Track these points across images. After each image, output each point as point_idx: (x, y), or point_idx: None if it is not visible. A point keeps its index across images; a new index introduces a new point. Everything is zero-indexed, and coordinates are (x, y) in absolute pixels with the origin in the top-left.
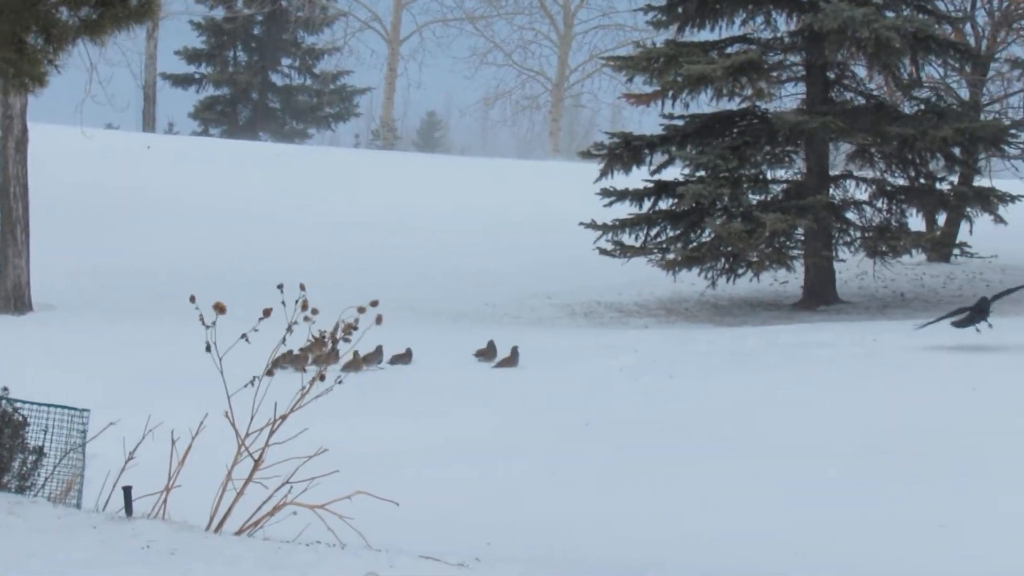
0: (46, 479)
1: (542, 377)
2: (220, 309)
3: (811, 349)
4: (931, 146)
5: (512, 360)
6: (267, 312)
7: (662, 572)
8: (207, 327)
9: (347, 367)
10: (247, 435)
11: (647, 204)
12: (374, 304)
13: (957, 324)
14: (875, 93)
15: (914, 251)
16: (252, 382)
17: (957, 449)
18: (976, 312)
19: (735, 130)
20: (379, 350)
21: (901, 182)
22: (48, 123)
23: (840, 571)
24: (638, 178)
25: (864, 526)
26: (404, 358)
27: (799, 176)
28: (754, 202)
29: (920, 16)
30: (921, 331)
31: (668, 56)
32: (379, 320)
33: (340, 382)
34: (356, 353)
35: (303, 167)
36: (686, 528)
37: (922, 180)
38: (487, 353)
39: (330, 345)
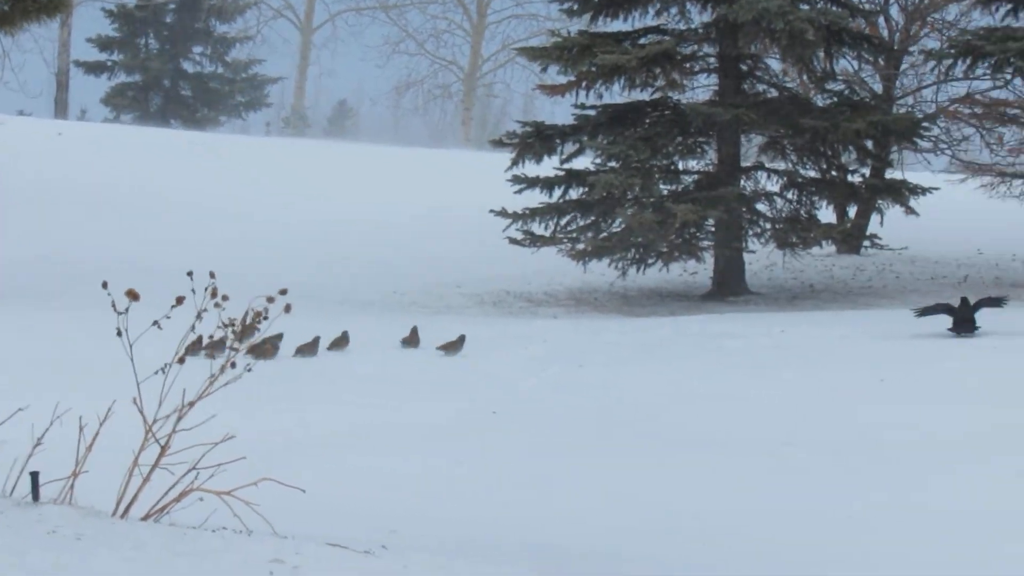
0: None
1: (450, 366)
2: (133, 296)
3: (720, 340)
4: (843, 138)
5: (457, 345)
6: (180, 300)
7: (565, 557)
8: (119, 314)
9: (256, 352)
10: (154, 421)
11: (558, 193)
12: (283, 293)
13: (953, 329)
14: (788, 85)
15: (824, 243)
16: (162, 369)
17: (865, 441)
18: (962, 322)
19: (647, 121)
20: (316, 341)
21: (812, 174)
22: None
23: (749, 559)
24: (549, 168)
25: (773, 516)
26: (341, 343)
27: (710, 167)
28: (665, 193)
29: (834, 9)
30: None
31: (582, 46)
32: (288, 309)
33: (249, 370)
34: (271, 341)
35: (214, 155)
36: (592, 515)
37: (834, 172)
38: (411, 340)
39: (239, 334)
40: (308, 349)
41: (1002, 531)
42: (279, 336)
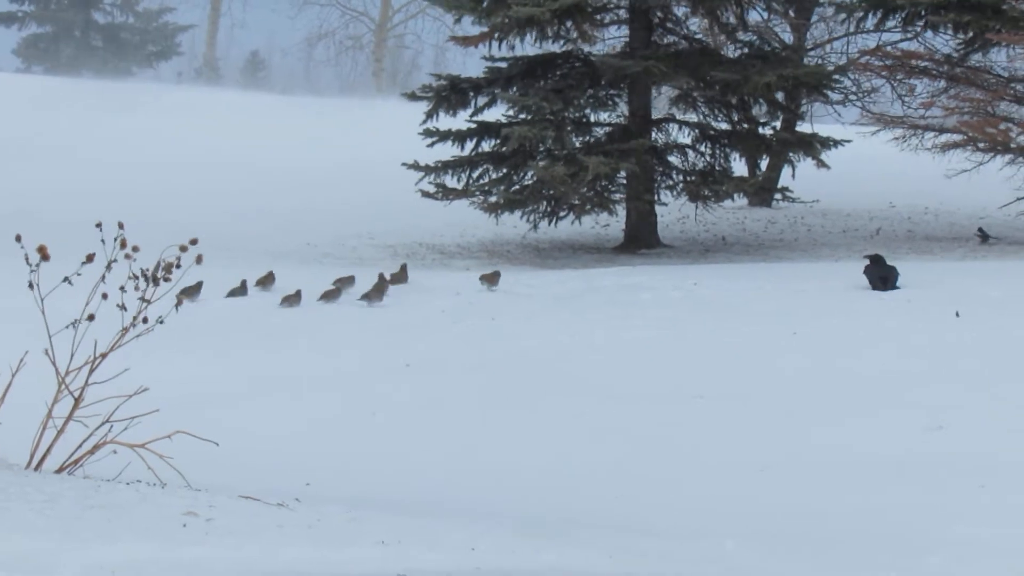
0: None
1: (364, 317)
2: (43, 254)
3: (632, 292)
4: (754, 91)
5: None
6: (90, 257)
7: (475, 509)
8: (32, 269)
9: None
10: (67, 373)
11: (470, 146)
12: (194, 243)
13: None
14: (698, 37)
15: (736, 195)
16: (73, 324)
17: (777, 394)
18: (881, 280)
19: (559, 73)
20: (298, 293)
21: (724, 126)
22: None
23: (656, 508)
24: (462, 120)
25: (680, 466)
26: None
27: (622, 119)
28: (577, 145)
29: None
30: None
31: None
32: (199, 259)
33: (161, 322)
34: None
35: (125, 105)
36: (504, 465)
37: (745, 124)
38: (334, 292)
39: (151, 284)
40: (238, 291)
41: (900, 477)
42: (198, 285)
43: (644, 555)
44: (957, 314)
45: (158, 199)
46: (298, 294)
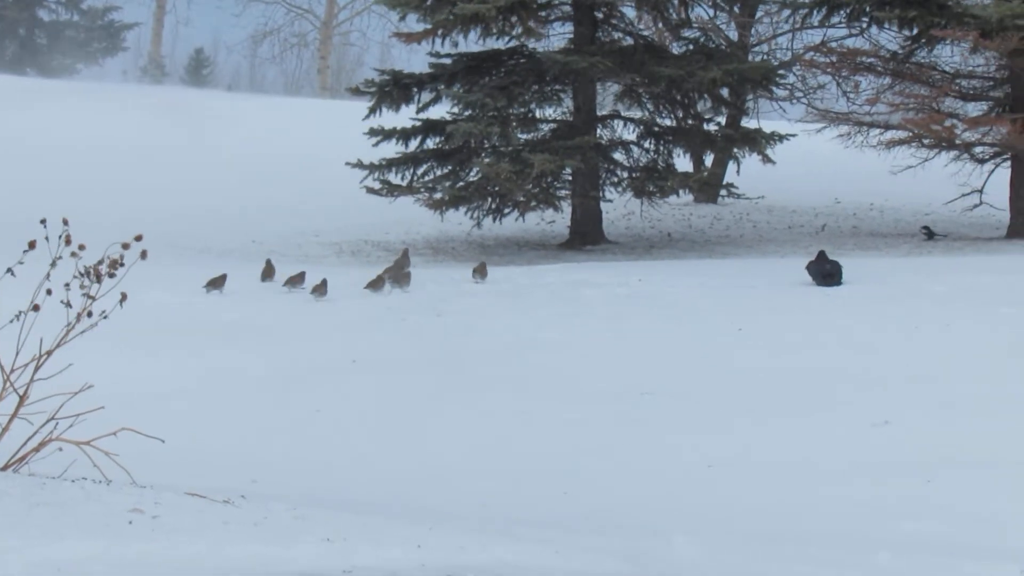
0: None
1: (310, 314)
2: None
3: (578, 289)
4: (699, 87)
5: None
6: (32, 244)
7: (424, 506)
8: None
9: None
10: (12, 371)
11: (415, 143)
12: (138, 239)
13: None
14: (644, 33)
15: (681, 191)
16: (17, 316)
17: (721, 389)
18: (824, 276)
19: (504, 69)
20: (301, 275)
21: (669, 123)
22: None
23: (604, 504)
24: (406, 117)
25: (628, 463)
26: (302, 282)
27: (567, 116)
28: (522, 142)
29: None
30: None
31: None
32: (143, 255)
33: (105, 317)
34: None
35: (69, 102)
36: (447, 462)
37: (690, 121)
38: (268, 272)
39: (96, 280)
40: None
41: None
42: (222, 277)
43: (592, 551)
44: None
45: (99, 196)
46: (324, 284)
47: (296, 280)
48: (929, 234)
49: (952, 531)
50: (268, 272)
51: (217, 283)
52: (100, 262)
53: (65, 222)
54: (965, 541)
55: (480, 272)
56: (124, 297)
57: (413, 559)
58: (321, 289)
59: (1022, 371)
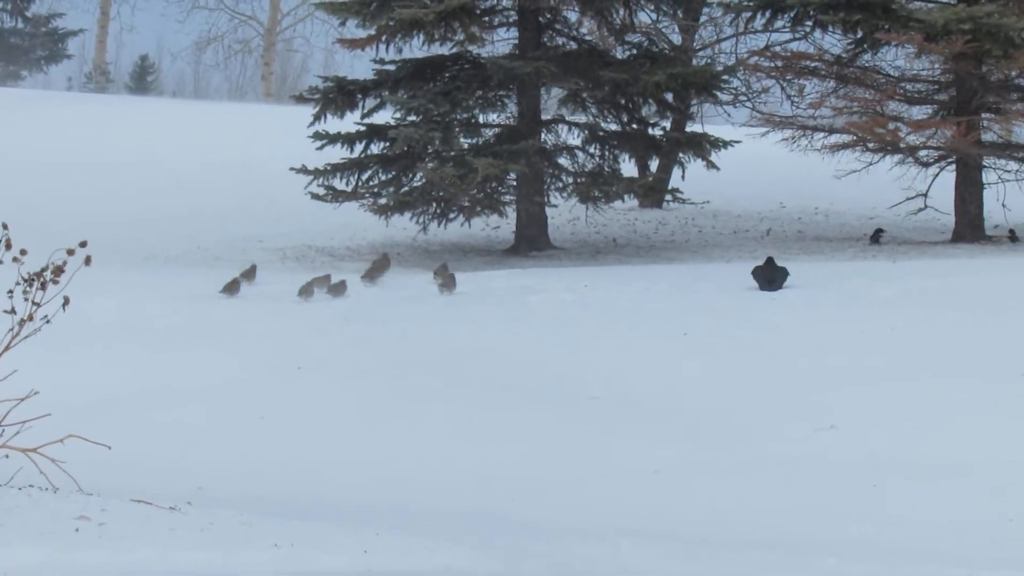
0: None
1: (256, 319)
2: None
3: (523, 295)
4: (643, 91)
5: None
6: None
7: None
8: None
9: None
10: None
11: (359, 148)
12: (83, 245)
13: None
14: (587, 38)
15: (626, 197)
16: None
17: (667, 394)
18: (767, 281)
19: (447, 75)
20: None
21: (613, 127)
22: None
23: (551, 510)
24: (351, 123)
25: (575, 468)
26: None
27: (511, 121)
28: (466, 146)
29: None
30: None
31: (381, 1)
32: (88, 261)
33: (48, 321)
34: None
35: (12, 110)
36: (390, 470)
37: (634, 125)
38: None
39: (40, 288)
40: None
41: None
42: (252, 269)
43: (539, 556)
44: None
45: (43, 203)
46: (317, 282)
47: (322, 282)
48: (876, 236)
49: (898, 536)
50: (249, 275)
51: (232, 288)
52: (44, 268)
53: (4, 226)
54: (911, 546)
55: (445, 284)
56: (67, 301)
57: (360, 565)
58: (339, 288)
59: (968, 375)
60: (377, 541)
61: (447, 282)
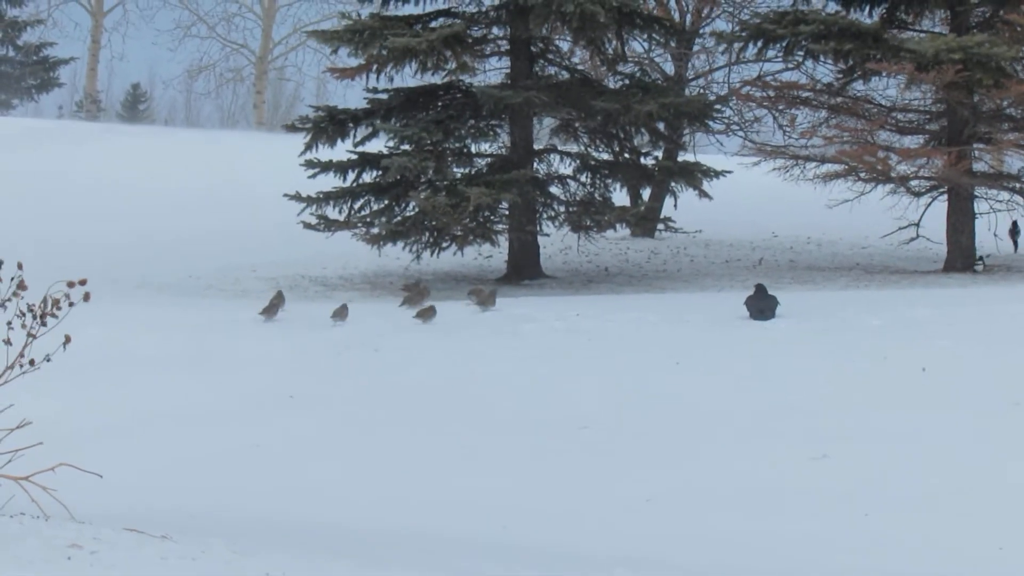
0: None
1: (247, 349)
2: None
3: (515, 324)
4: (636, 121)
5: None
6: None
7: (361, 541)
8: None
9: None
10: None
11: (351, 177)
12: (83, 283)
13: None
14: (580, 68)
15: (618, 226)
16: None
17: (659, 422)
18: (759, 311)
19: (439, 104)
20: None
21: (605, 156)
22: None
23: (543, 537)
24: (343, 151)
25: (567, 496)
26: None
27: (503, 150)
28: (458, 176)
29: None
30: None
31: (373, 29)
32: (87, 297)
33: (49, 360)
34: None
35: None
36: (381, 497)
37: (627, 155)
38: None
39: (39, 319)
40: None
41: (785, 506)
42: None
43: None
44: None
45: (34, 228)
46: (344, 308)
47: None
48: (983, 265)
49: (889, 564)
50: (277, 302)
51: (270, 311)
52: (43, 302)
53: (19, 266)
54: (903, 574)
55: (483, 299)
56: (68, 340)
57: None
58: (342, 313)
59: (960, 405)
60: (370, 571)
61: (485, 300)
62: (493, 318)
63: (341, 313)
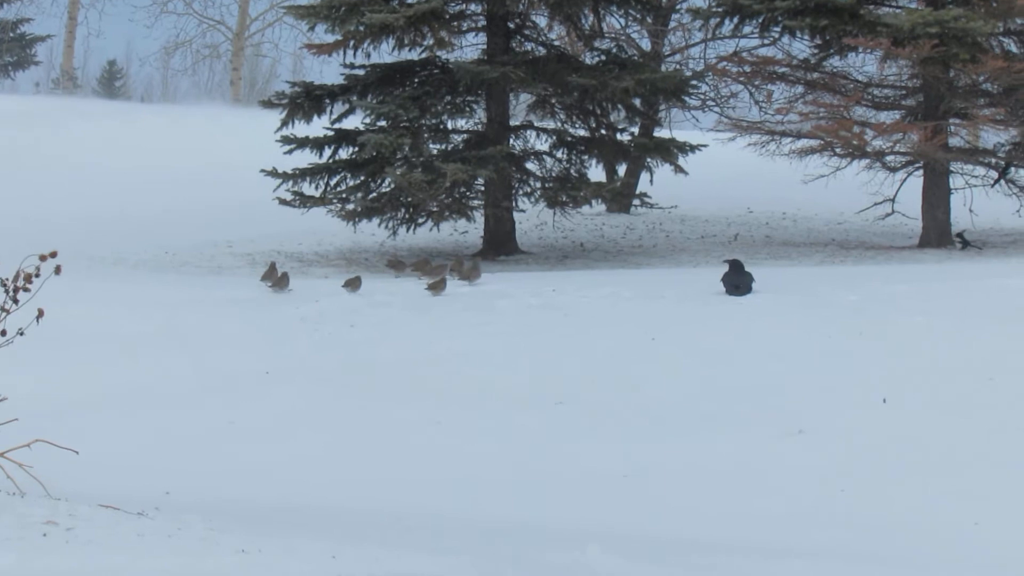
0: None
1: (224, 325)
2: None
3: (491, 299)
4: (612, 97)
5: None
6: None
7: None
8: None
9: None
10: None
11: (327, 153)
12: (53, 255)
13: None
14: (556, 44)
15: (594, 201)
16: None
17: (634, 398)
18: (734, 286)
19: (416, 80)
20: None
21: (582, 132)
22: None
23: (519, 514)
24: (319, 127)
25: (543, 472)
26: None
27: (480, 126)
28: (435, 152)
29: None
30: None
31: (350, 5)
32: (58, 270)
33: (22, 334)
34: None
35: None
36: (361, 473)
37: (603, 131)
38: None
39: (12, 294)
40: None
41: (761, 482)
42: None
43: (507, 561)
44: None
45: (8, 206)
46: (358, 279)
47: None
48: (964, 243)
49: (864, 540)
50: (271, 276)
51: (280, 282)
52: (16, 276)
53: None
54: (877, 550)
55: (467, 273)
56: (41, 314)
57: (329, 570)
58: (282, 282)
59: (935, 379)
60: (346, 547)
61: (469, 273)
62: (468, 293)
63: (354, 284)
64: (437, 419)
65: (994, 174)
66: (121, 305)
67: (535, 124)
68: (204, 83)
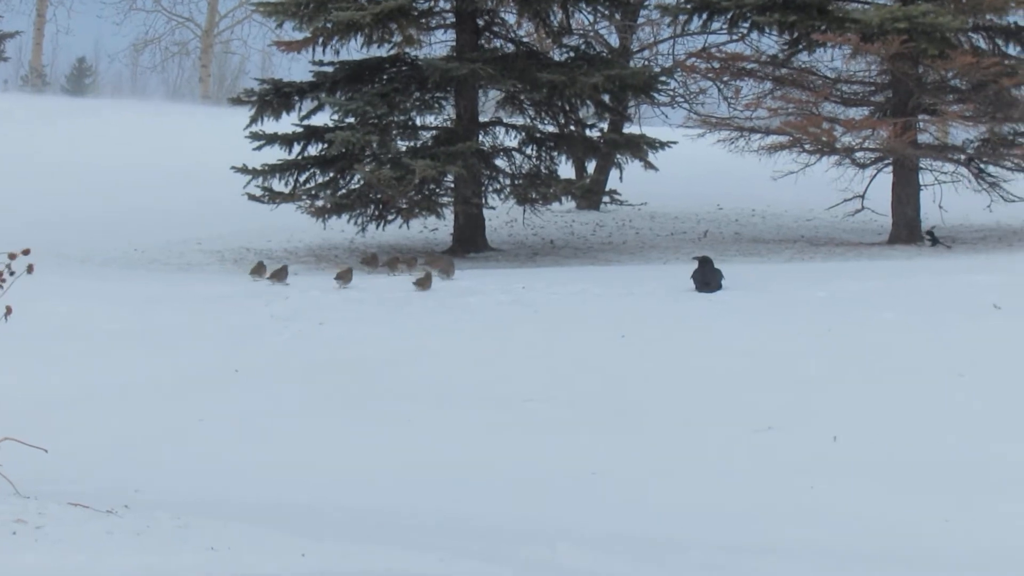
0: None
1: (192, 323)
2: None
3: (461, 297)
4: (581, 93)
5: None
6: None
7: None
8: None
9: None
10: None
11: (297, 149)
12: (26, 252)
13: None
14: (525, 40)
15: (564, 198)
16: None
17: (604, 395)
18: (703, 283)
19: (384, 77)
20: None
21: (551, 129)
22: None
23: (489, 511)
24: (288, 124)
25: (513, 469)
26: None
27: (449, 123)
28: (404, 148)
29: None
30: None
31: (318, 2)
32: (30, 269)
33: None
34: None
35: None
36: (331, 470)
37: (572, 127)
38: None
39: None
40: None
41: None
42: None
43: (477, 558)
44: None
45: None
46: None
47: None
48: (933, 240)
49: (836, 536)
50: (259, 271)
51: (279, 275)
52: None
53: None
54: (850, 546)
55: (445, 268)
56: (9, 311)
57: (298, 568)
58: (281, 274)
59: (904, 376)
60: (315, 544)
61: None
62: (438, 290)
63: (345, 277)
64: (407, 417)
65: (963, 171)
66: (90, 302)
67: (504, 120)
68: (173, 80)
